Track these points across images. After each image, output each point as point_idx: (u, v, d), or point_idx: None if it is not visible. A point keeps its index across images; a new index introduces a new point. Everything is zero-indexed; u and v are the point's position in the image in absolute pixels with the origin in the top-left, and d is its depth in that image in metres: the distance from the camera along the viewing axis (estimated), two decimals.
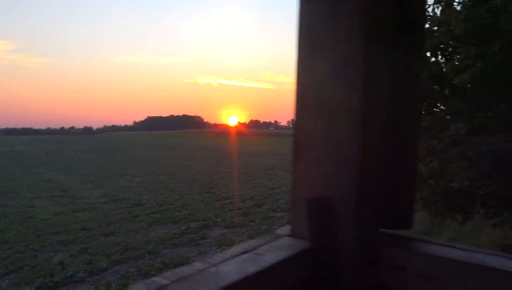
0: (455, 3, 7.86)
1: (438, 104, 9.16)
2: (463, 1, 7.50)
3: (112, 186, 18.96)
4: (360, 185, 0.87)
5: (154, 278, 0.67)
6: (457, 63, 7.28)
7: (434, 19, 8.21)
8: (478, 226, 11.52)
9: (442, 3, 7.85)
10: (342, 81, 0.84)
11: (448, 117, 8.65)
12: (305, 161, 0.92)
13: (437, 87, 8.76)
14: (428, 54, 8.94)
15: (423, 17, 0.94)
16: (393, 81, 0.89)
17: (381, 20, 0.85)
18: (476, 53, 6.65)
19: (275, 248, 0.85)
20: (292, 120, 0.91)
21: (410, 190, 0.99)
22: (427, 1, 0.95)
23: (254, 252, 0.81)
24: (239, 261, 0.76)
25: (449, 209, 8.29)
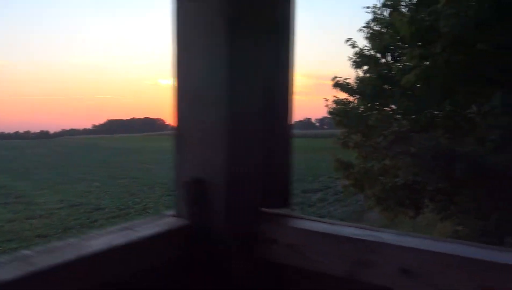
0: (402, 6, 8.22)
1: (389, 103, 9.54)
2: (408, 4, 7.87)
3: (70, 191, 18.49)
4: (231, 168, 0.97)
5: (23, 251, 0.74)
6: (400, 66, 7.62)
7: (382, 21, 8.56)
8: (432, 221, 12.02)
9: (390, 6, 8.20)
10: (211, 73, 0.94)
11: (398, 115, 9.03)
12: (184, 147, 1.01)
13: (387, 86, 9.12)
14: (378, 55, 9.31)
15: (290, 18, 1.06)
16: (259, 76, 1.00)
17: (245, 19, 0.95)
18: (420, 54, 6.98)
19: (152, 225, 0.94)
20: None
21: (286, 171, 1.11)
22: (295, 3, 1.05)
23: (130, 229, 0.89)
24: (111, 236, 0.84)
25: (399, 204, 8.63)
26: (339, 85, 9.50)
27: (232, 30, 0.92)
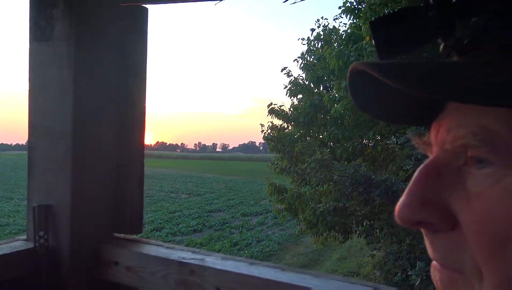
0: (333, 40, 8.73)
1: (322, 131, 9.95)
2: (338, 40, 8.38)
3: None
4: (77, 196, 1.07)
5: None
6: (330, 96, 8.06)
7: (315, 53, 9.02)
8: (366, 245, 12.45)
9: (321, 40, 8.67)
10: (59, 108, 1.05)
11: (331, 143, 9.44)
12: (35, 175, 1.10)
13: (319, 115, 9.54)
14: (311, 84, 9.75)
15: (142, 59, 1.18)
16: (110, 107, 1.13)
17: (94, 57, 1.08)
18: (346, 86, 7.43)
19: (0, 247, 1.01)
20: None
21: (138, 198, 1.22)
22: (146, 49, 1.16)
23: None
24: None
25: (329, 229, 8.91)
26: (274, 111, 9.83)
27: (79, 65, 1.04)
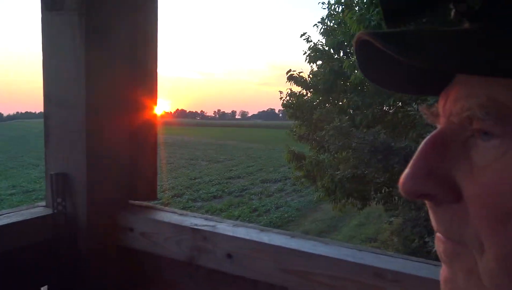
0: (354, 4, 8.47)
1: (342, 98, 9.83)
2: (360, 3, 8.13)
3: (22, 176, 17.99)
4: (92, 164, 1.09)
5: None
6: (351, 62, 7.89)
7: (335, 18, 8.80)
8: (384, 212, 12.47)
9: (342, 4, 8.43)
10: (72, 78, 1.06)
11: (351, 110, 9.33)
12: (51, 144, 1.12)
13: (339, 81, 9.40)
14: (331, 50, 9.57)
15: (153, 31, 1.18)
16: (121, 78, 1.13)
17: (104, 28, 1.08)
18: None
19: (20, 214, 1.05)
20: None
21: (152, 165, 1.24)
22: (156, 14, 1.16)
23: None
24: None
25: (347, 196, 8.94)
26: (293, 78, 9.73)
27: (90, 34, 1.04)
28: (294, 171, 10.18)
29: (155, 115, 1.23)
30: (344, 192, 8.44)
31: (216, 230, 1.03)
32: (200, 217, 1.12)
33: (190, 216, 1.14)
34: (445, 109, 0.42)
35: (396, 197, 8.27)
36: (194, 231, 1.04)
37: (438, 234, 0.42)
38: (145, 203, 1.23)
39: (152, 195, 1.24)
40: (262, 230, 1.02)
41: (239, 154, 32.63)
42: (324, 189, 8.97)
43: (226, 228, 1.04)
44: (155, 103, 1.24)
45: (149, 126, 1.21)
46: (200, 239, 1.03)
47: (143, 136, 1.20)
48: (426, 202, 0.42)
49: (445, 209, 0.40)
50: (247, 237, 0.98)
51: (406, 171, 0.41)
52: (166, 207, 1.21)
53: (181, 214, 1.16)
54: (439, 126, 0.43)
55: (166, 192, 16.81)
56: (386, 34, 0.37)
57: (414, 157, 0.41)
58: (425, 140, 0.42)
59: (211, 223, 1.07)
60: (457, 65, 0.34)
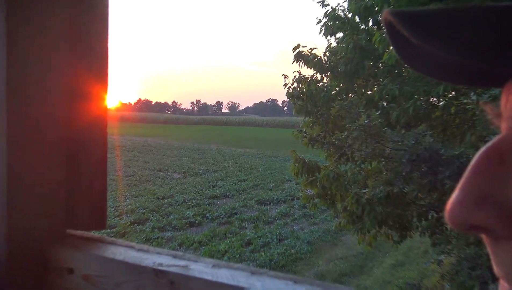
0: None
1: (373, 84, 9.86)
2: None
3: None
4: (15, 178, 1.10)
5: None
6: (384, 35, 7.90)
7: None
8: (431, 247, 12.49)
9: None
10: None
11: (384, 102, 9.36)
12: None
13: (367, 62, 9.44)
14: (356, 18, 9.62)
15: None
16: (57, 73, 1.14)
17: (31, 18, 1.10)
18: None
19: None
20: None
21: (100, 181, 1.25)
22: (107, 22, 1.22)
23: None
24: None
25: (379, 224, 8.96)
26: (303, 57, 9.76)
27: (14, 28, 1.06)
28: (304, 188, 10.18)
29: (105, 109, 1.24)
30: (374, 219, 8.44)
31: (189, 273, 1.04)
32: (167, 255, 1.13)
33: (153, 253, 1.15)
34: (507, 110, 0.43)
35: (448, 226, 8.31)
36: (158, 273, 1.05)
37: (501, 281, 0.43)
38: (89, 233, 1.24)
39: (99, 222, 1.25)
40: (253, 273, 1.03)
41: (226, 163, 32.66)
42: (346, 214, 8.97)
43: (203, 269, 1.05)
44: (106, 92, 1.25)
45: (97, 124, 1.23)
46: (166, 285, 1.04)
47: (88, 139, 1.22)
48: (482, 236, 0.43)
49: (505, 246, 0.41)
50: (233, 283, 0.99)
51: (454, 194, 0.42)
52: (120, 240, 1.22)
53: (140, 250, 1.16)
54: (499, 133, 0.44)
55: (122, 217, 16.81)
56: (415, 17, 0.37)
57: (464, 176, 0.42)
58: (478, 154, 0.42)
59: (182, 263, 1.08)
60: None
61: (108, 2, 1.21)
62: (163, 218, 16.95)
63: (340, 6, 9.86)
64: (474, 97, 6.80)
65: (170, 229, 15.87)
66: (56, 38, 1.16)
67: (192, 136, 61.39)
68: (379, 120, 6.95)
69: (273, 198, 20.67)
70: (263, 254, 13.71)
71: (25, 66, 1.09)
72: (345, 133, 7.46)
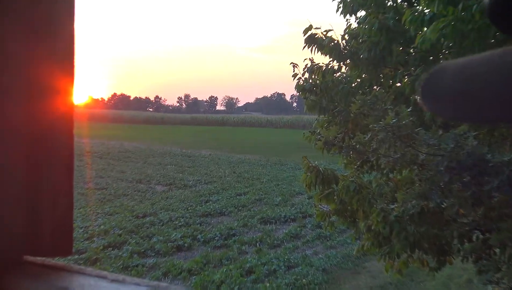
0: None
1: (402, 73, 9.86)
2: None
3: None
4: None
5: None
6: (415, 13, 7.90)
7: None
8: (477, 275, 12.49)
9: None
10: None
11: (416, 96, 9.36)
12: None
13: (395, 46, 9.44)
14: None
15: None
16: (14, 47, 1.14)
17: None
18: None
19: None
20: None
21: (65, 197, 1.25)
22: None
23: None
24: None
25: (411, 247, 8.95)
26: (316, 40, 9.76)
27: None
28: (318, 202, 10.17)
29: (71, 106, 1.24)
30: (405, 240, 8.44)
31: None
32: (148, 286, 1.13)
33: (131, 284, 1.15)
34: None
35: (498, 249, 8.27)
36: None
37: None
38: (52, 260, 1.24)
39: (64, 246, 1.25)
40: None
41: (221, 172, 32.72)
42: (370, 235, 8.97)
43: None
44: (72, 85, 1.25)
45: (61, 125, 1.23)
46: None
47: (50, 144, 1.22)
48: None
49: None
50: None
51: None
52: (90, 268, 1.22)
53: (115, 280, 1.16)
54: None
55: (93, 240, 16.81)
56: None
57: None
58: None
59: None
60: None
61: None
62: (144, 241, 16.95)
63: None
64: None
65: (153, 254, 15.87)
66: (13, 19, 1.16)
67: (180, 139, 61.52)
68: (411, 118, 6.93)
69: (280, 215, 20.68)
70: (268, 285, 13.68)
71: None
72: (369, 135, 7.45)
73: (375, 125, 7.05)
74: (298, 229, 19.02)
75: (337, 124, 9.93)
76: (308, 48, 9.90)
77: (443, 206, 7.08)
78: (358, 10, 10.01)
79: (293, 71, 10.45)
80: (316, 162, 9.93)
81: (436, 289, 14.06)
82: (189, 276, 14.12)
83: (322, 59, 10.16)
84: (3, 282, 1.18)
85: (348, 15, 10.19)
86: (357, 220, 9.60)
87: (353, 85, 10.10)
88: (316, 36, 9.84)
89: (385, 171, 8.94)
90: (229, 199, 23.73)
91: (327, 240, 17.65)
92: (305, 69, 10.30)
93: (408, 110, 7.69)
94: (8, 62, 1.17)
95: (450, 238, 8.67)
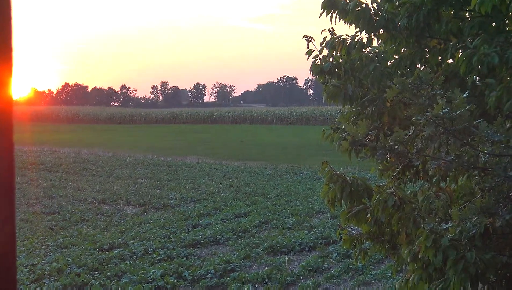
0: None
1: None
2: None
3: None
4: None
5: None
6: None
7: None
8: None
9: None
10: None
11: (479, 79, 9.37)
12: None
13: (443, 11, 9.46)
14: None
15: None
16: None
17: None
18: None
19: None
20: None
21: (4, 232, 1.25)
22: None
23: None
24: None
25: (472, 280, 8.96)
26: (337, 4, 9.76)
27: None
28: (345, 224, 10.19)
29: (9, 102, 1.24)
30: (464, 272, 8.46)
31: None
32: None
33: None
34: None
35: None
36: None
37: None
38: None
39: (3, 281, 1.26)
40: None
41: (214, 186, 32.74)
42: (417, 266, 9.00)
43: None
44: (10, 74, 1.26)
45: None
46: None
47: None
48: None
49: None
50: None
51: None
52: None
53: None
54: None
55: (44, 281, 16.84)
56: None
57: None
58: None
59: None
60: None
61: None
62: (111, 281, 16.94)
63: None
64: None
65: None
66: None
67: (156, 142, 61.56)
68: (468, 106, 6.92)
69: (295, 243, 20.64)
70: None
71: None
72: (412, 131, 7.45)
73: (420, 117, 7.04)
74: (320, 260, 18.97)
75: (369, 118, 9.88)
76: (326, 15, 9.89)
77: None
78: None
79: (307, 47, 10.41)
80: (341, 169, 9.94)
81: None
82: None
83: (346, 30, 10.18)
84: None
85: None
86: (398, 246, 9.60)
87: (389, 64, 10.08)
88: None
89: (434, 179, 8.94)
90: (225, 222, 23.71)
91: (359, 274, 17.62)
92: (324, 44, 10.25)
93: (464, 95, 7.67)
94: None
95: None
